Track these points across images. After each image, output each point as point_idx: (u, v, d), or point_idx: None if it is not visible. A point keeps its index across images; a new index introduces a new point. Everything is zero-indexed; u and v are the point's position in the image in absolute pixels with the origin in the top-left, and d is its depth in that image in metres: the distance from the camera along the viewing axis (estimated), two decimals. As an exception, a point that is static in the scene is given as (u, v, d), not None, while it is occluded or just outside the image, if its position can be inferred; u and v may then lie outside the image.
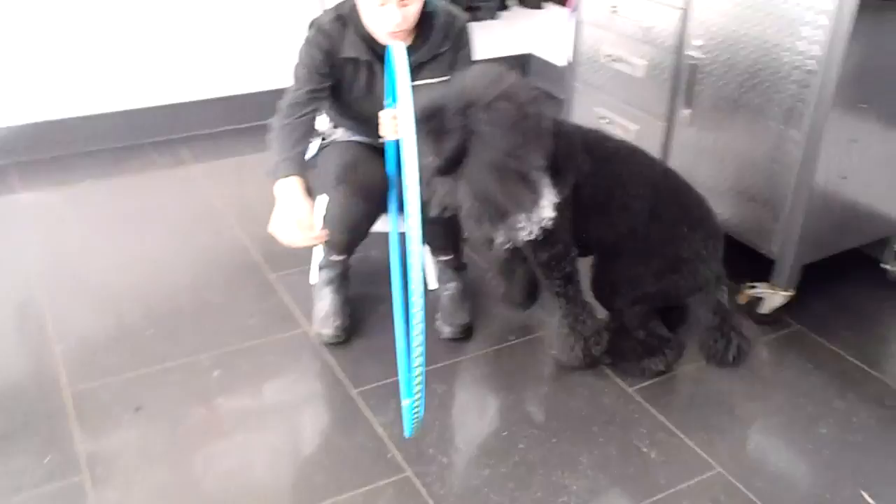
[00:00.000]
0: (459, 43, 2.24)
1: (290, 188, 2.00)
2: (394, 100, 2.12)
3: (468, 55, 2.27)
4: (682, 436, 2.02)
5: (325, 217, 2.27)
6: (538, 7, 3.96)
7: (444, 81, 2.20)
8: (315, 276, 2.51)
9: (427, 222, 2.18)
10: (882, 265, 2.66)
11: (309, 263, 2.65)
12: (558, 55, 4.06)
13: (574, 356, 2.18)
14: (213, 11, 3.58)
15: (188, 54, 3.59)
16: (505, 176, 1.81)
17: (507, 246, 2.07)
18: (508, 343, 2.35)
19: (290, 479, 1.87)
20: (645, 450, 1.98)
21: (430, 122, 1.81)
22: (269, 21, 3.67)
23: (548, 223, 1.92)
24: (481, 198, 1.83)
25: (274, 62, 3.69)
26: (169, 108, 3.61)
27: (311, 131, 2.18)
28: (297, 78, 2.17)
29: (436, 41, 2.18)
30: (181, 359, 2.23)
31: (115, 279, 2.57)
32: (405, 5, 2.03)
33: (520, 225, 1.91)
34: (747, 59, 2.32)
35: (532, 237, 1.94)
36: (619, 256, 2.14)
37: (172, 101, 3.61)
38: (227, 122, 3.72)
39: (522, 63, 4.31)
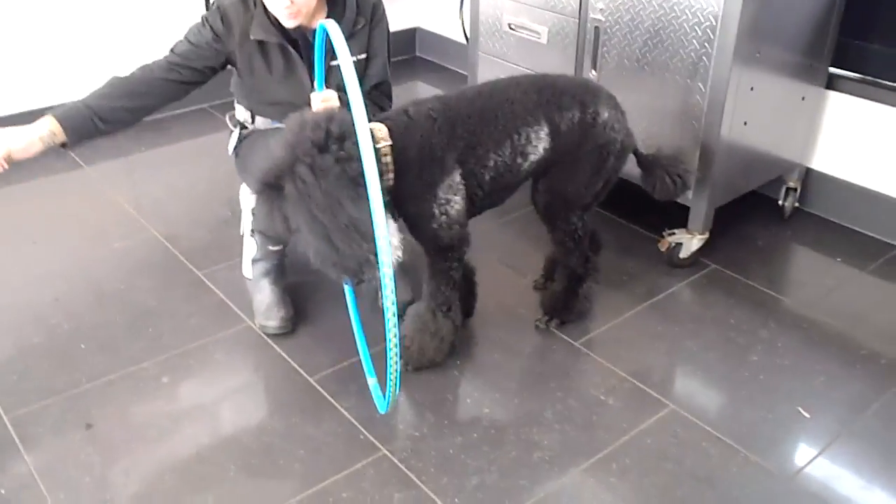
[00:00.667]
0: (374, 18, 2.24)
1: (31, 125, 1.97)
2: (321, 82, 2.11)
3: (384, 30, 2.28)
4: (633, 380, 2.14)
5: (255, 208, 2.23)
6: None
7: (360, 60, 2.21)
8: (248, 269, 2.46)
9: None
10: (779, 202, 2.87)
11: (234, 258, 2.59)
12: (450, 28, 4.10)
13: (428, 359, 2.14)
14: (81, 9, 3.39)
15: (67, 55, 3.39)
16: (327, 238, 1.72)
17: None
18: (453, 313, 2.39)
19: (268, 474, 1.85)
20: (602, 398, 2.08)
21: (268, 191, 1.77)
22: (137, 13, 3.51)
23: (399, 258, 1.75)
24: (322, 262, 1.77)
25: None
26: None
27: (141, 96, 2.10)
28: (172, 49, 2.15)
29: (350, 19, 2.18)
30: (123, 369, 2.15)
31: (35, 294, 2.43)
32: (293, 4, 2.01)
33: (367, 275, 1.78)
34: (649, 18, 2.44)
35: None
36: (553, 169, 2.12)
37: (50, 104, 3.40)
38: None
39: (409, 38, 4.32)
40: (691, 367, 2.22)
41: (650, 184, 2.31)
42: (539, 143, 2.02)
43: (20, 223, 2.83)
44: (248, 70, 2.19)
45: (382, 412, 1.94)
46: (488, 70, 3.05)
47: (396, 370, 1.73)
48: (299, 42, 2.17)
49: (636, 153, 2.25)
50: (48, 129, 1.97)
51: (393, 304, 1.63)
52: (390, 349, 1.68)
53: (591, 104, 2.06)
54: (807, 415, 2.03)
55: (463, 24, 3.80)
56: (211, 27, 2.13)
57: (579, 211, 2.17)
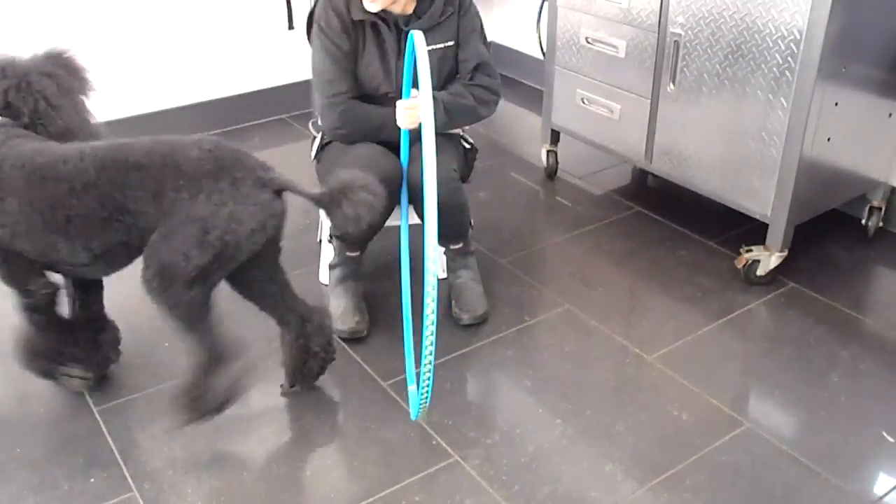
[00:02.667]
0: (462, 7, 2.31)
1: None
2: (409, 89, 2.15)
3: (474, 16, 2.35)
4: (707, 397, 2.11)
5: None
6: (500, -5, 4.03)
7: (448, 47, 2.26)
8: (325, 275, 2.52)
9: (440, 212, 2.25)
10: (862, 221, 2.80)
11: (311, 264, 2.65)
12: (526, 43, 4.12)
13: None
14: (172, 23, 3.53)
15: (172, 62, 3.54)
16: None
17: None
18: (525, 324, 2.40)
19: (342, 476, 1.90)
20: (676, 413, 2.06)
21: None
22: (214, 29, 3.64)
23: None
24: None
25: (245, 66, 3.68)
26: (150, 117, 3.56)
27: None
28: (319, 65, 2.23)
29: (437, 9, 2.25)
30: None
31: (123, 297, 2.53)
32: None
33: None
34: (730, 32, 2.42)
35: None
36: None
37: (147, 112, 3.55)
38: (198, 130, 3.68)
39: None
40: (767, 387, 2.18)
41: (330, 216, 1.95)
42: None
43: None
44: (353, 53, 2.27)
45: (413, 419, 1.96)
46: (565, 85, 3.06)
47: (429, 380, 1.72)
48: (389, 25, 2.24)
49: (314, 198, 1.87)
50: None
51: (433, 312, 1.62)
52: (425, 356, 1.67)
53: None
54: (891, 439, 1.98)
55: (539, 38, 3.82)
56: (334, 10, 2.20)
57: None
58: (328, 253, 2.49)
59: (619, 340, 2.33)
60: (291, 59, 3.76)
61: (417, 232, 2.40)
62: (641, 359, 2.26)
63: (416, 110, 2.13)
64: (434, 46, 2.25)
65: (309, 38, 2.35)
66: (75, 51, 2.01)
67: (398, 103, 2.14)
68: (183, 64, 3.54)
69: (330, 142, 2.39)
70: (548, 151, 3.24)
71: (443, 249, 2.47)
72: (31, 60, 1.93)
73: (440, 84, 2.32)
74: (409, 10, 2.22)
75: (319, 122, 2.42)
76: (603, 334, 2.36)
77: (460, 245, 2.40)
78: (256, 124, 3.74)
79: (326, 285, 2.50)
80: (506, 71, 4.31)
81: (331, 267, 2.43)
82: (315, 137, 2.45)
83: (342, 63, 2.24)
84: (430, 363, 1.67)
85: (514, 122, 3.89)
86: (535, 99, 3.79)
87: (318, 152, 2.42)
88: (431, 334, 1.62)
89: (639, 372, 2.22)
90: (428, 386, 1.74)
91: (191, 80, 3.58)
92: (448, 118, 2.24)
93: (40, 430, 2.02)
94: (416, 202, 2.26)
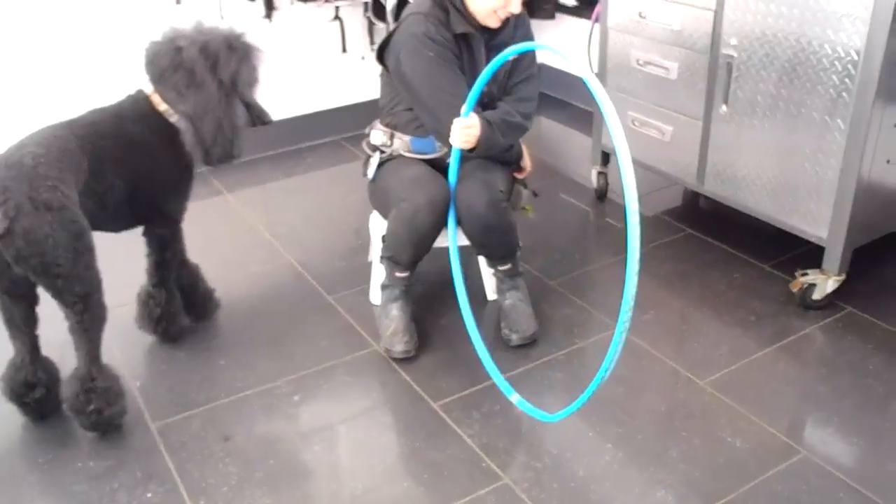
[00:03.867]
0: (526, 31, 2.40)
1: None
2: (472, 107, 2.17)
3: (528, 29, 2.45)
4: (762, 423, 2.07)
5: (387, 234, 2.32)
6: (550, 18, 4.03)
7: (514, 60, 2.32)
8: (376, 295, 2.55)
9: (487, 233, 2.27)
10: (922, 244, 2.73)
11: (362, 284, 2.69)
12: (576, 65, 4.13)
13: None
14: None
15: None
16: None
17: None
18: (575, 346, 2.40)
19: (393, 495, 1.91)
20: (729, 439, 2.03)
21: None
22: (294, 49, 3.72)
23: None
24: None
25: (300, 90, 3.75)
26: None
27: None
28: (433, 75, 2.23)
29: (507, 34, 2.32)
30: (259, 386, 2.26)
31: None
32: (507, 6, 2.20)
33: None
34: (785, 53, 2.40)
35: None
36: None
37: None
38: (254, 151, 3.76)
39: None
40: (825, 414, 2.13)
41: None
42: None
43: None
44: None
45: (551, 420, 1.98)
46: (615, 106, 3.04)
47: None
48: (480, 38, 2.31)
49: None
50: None
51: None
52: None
53: None
54: (954, 470, 1.92)
55: (590, 60, 3.81)
56: (434, 25, 2.23)
57: None
58: (379, 273, 2.52)
59: (671, 365, 2.31)
60: (345, 82, 3.83)
61: (465, 252, 2.42)
62: (693, 384, 2.23)
63: (472, 129, 2.16)
64: (508, 59, 2.29)
65: (383, 64, 2.37)
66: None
67: (455, 121, 2.17)
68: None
69: (385, 161, 2.42)
70: (598, 173, 3.23)
71: (491, 271, 2.48)
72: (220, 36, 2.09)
73: (497, 94, 2.35)
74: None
75: (372, 141, 2.45)
76: (654, 358, 2.34)
77: (509, 266, 2.41)
78: (310, 146, 3.81)
79: (377, 306, 2.53)
80: (556, 92, 4.32)
81: (381, 287, 2.46)
82: (370, 157, 2.48)
83: (455, 67, 2.27)
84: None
85: (564, 143, 3.90)
86: (584, 120, 3.79)
87: (375, 172, 2.45)
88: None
89: (691, 397, 2.19)
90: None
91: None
92: (503, 141, 2.26)
93: (99, 444, 2.07)
94: (465, 223, 2.28)
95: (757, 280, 2.69)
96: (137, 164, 2.10)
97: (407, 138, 2.39)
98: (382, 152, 2.43)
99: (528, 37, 2.40)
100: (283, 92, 3.72)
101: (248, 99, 2.20)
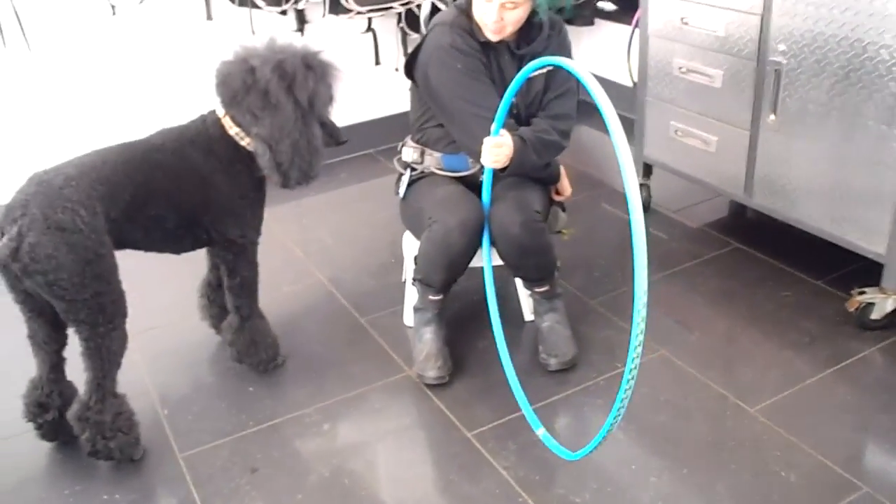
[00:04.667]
0: (561, 46, 2.28)
1: None
2: (501, 124, 2.09)
3: (565, 40, 2.33)
4: (818, 455, 1.94)
5: (418, 256, 2.24)
6: (589, 24, 3.92)
7: (548, 72, 2.23)
8: (409, 317, 2.47)
9: (522, 255, 2.17)
10: None
11: (395, 305, 2.61)
12: (616, 71, 4.01)
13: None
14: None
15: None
16: None
17: None
18: (617, 371, 2.29)
19: (423, 532, 1.82)
20: (783, 474, 1.90)
21: None
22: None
23: None
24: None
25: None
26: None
27: None
28: (460, 87, 2.16)
29: (539, 44, 2.21)
30: (288, 414, 2.20)
31: (208, 336, 2.55)
32: (507, 9, 2.07)
33: None
34: (838, 59, 2.26)
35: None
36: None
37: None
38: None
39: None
40: (888, 445, 1.99)
41: None
42: None
43: (199, 264, 2.99)
44: None
45: (573, 458, 1.84)
46: (657, 116, 2.94)
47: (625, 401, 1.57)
48: (509, 48, 2.22)
49: None
50: None
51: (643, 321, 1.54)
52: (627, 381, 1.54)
53: None
54: None
55: (630, 68, 3.70)
56: (459, 34, 2.16)
57: None
58: (412, 294, 2.44)
59: (718, 390, 2.19)
60: (378, 95, 3.77)
61: (503, 271, 2.33)
62: (743, 411, 2.11)
63: (503, 149, 2.07)
64: (542, 71, 2.20)
65: (411, 78, 2.30)
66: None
67: (485, 140, 2.08)
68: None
69: (417, 180, 2.34)
70: (640, 185, 3.12)
71: (528, 292, 2.38)
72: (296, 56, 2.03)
73: (531, 110, 2.26)
74: (514, 37, 2.20)
75: (404, 158, 2.38)
76: (700, 383, 2.22)
77: (546, 288, 2.31)
78: (344, 160, 3.75)
79: (410, 327, 2.45)
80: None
81: (414, 310, 2.38)
82: (401, 175, 2.41)
83: (485, 78, 2.18)
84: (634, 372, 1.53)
85: (604, 152, 3.78)
86: (625, 128, 3.67)
87: (405, 190, 2.37)
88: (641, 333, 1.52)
89: (740, 425, 2.07)
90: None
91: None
92: (538, 160, 2.16)
93: (125, 472, 2.02)
94: (499, 244, 2.19)
95: (809, 298, 2.55)
96: (194, 193, 2.06)
97: (438, 155, 2.31)
98: (413, 170, 2.36)
99: (564, 47, 2.29)
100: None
101: (325, 119, 2.13)
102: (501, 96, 2.06)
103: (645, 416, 2.12)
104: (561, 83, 2.25)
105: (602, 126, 4.04)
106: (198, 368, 2.41)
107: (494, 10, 2.07)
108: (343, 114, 3.72)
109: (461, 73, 2.14)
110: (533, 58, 2.00)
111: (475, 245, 2.17)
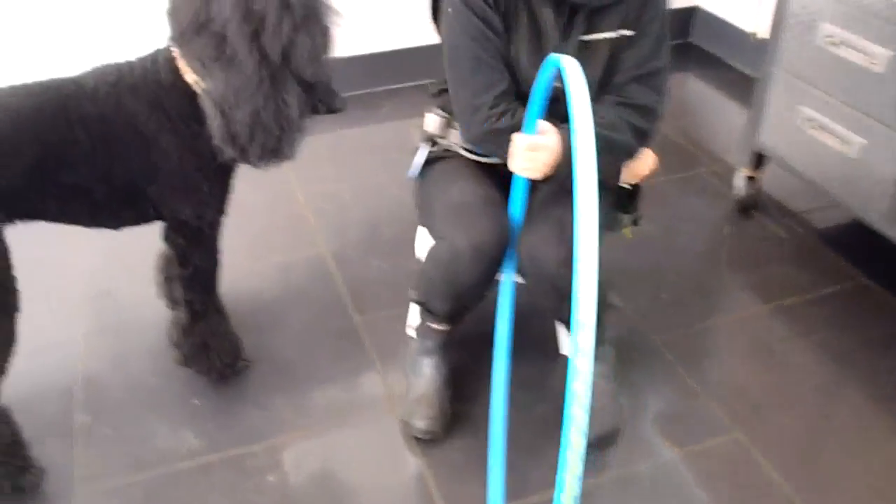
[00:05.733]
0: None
1: None
2: (533, 122, 1.46)
3: (658, 10, 1.56)
4: None
5: (420, 274, 1.67)
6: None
7: (623, 37, 1.52)
8: (412, 327, 1.90)
9: (560, 298, 1.56)
10: None
11: (402, 305, 2.03)
12: (740, 14, 3.21)
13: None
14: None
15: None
16: None
17: None
18: (670, 456, 1.69)
19: None
20: None
21: None
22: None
23: None
24: None
25: (380, 19, 3.07)
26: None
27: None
28: (460, 55, 1.55)
29: None
30: (229, 449, 1.70)
31: (166, 313, 2.05)
32: None
33: None
34: None
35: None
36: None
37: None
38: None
39: (684, 18, 3.47)
40: None
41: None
42: None
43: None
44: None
45: None
46: (785, 95, 2.20)
47: None
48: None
49: None
50: None
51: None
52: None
53: None
54: None
55: (757, 19, 2.89)
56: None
57: None
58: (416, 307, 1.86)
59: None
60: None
61: (521, 297, 1.73)
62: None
63: (541, 154, 1.43)
64: (605, 35, 1.53)
65: (436, 21, 1.68)
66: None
67: (516, 139, 1.45)
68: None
69: (437, 159, 1.73)
70: (746, 177, 2.41)
71: (564, 329, 1.78)
72: None
73: (595, 91, 1.58)
74: None
75: (426, 126, 1.77)
76: (783, 495, 1.61)
77: (592, 333, 1.70)
78: (389, 90, 3.13)
79: (412, 339, 1.90)
80: (708, 45, 3.42)
81: (416, 330, 1.82)
82: (419, 148, 1.80)
83: (492, 50, 1.54)
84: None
85: (708, 114, 3.05)
86: (743, 87, 2.92)
87: (421, 170, 1.77)
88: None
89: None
90: None
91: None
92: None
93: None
94: (530, 281, 1.58)
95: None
96: (132, 159, 1.51)
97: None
98: (434, 144, 1.74)
99: (654, 8, 1.56)
100: (359, 21, 3.03)
101: (310, 78, 1.50)
102: (536, 66, 1.42)
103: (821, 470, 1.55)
104: (646, 53, 1.56)
105: (712, 78, 3.30)
106: (140, 360, 1.92)
107: None
108: (393, 35, 3.12)
109: (464, 36, 1.53)
110: (592, 10, 1.44)
111: (490, 274, 1.57)
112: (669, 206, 2.47)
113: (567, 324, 1.70)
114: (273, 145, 1.48)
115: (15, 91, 1.46)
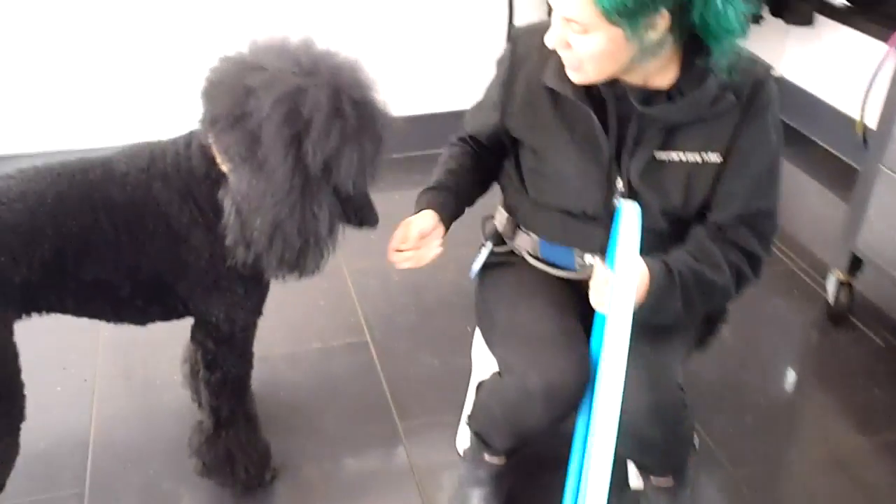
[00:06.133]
0: (754, 104, 1.29)
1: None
2: (613, 256, 1.25)
3: (765, 126, 1.30)
4: None
5: (475, 403, 1.47)
6: (808, 24, 2.86)
7: (708, 164, 1.30)
8: (465, 439, 1.69)
9: (644, 448, 1.34)
10: None
11: (452, 412, 1.82)
12: (833, 93, 2.96)
13: None
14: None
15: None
16: None
17: None
18: None
19: None
20: None
21: None
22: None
23: None
24: None
25: (444, 79, 2.92)
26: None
27: (471, 168, 1.51)
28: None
29: (708, 92, 1.25)
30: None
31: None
32: (574, 34, 1.20)
33: None
34: None
35: None
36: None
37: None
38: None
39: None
40: None
41: None
42: None
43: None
44: (524, 132, 1.42)
45: None
46: (889, 194, 1.96)
47: None
48: (608, 105, 1.31)
49: None
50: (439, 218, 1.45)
51: None
52: None
53: None
54: None
55: (862, 112, 2.57)
56: (501, 64, 1.44)
57: None
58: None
59: None
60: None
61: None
62: None
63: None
64: (683, 157, 1.31)
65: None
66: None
67: (597, 272, 1.24)
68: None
69: (501, 263, 1.53)
70: (840, 283, 2.16)
71: (639, 471, 1.55)
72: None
73: (672, 223, 1.37)
74: (662, 84, 1.28)
75: (495, 221, 1.58)
76: None
77: (670, 484, 1.47)
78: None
79: (460, 457, 1.69)
80: (800, 124, 3.17)
81: (464, 456, 1.61)
82: (483, 245, 1.60)
83: (488, 108, 1.48)
84: None
85: (798, 202, 2.79)
86: (835, 172, 2.68)
87: (480, 270, 1.57)
88: None
89: None
90: None
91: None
92: (684, 309, 1.28)
93: None
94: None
95: None
96: (160, 254, 1.35)
97: (536, 238, 1.48)
98: (501, 243, 1.54)
99: (760, 134, 1.32)
100: (422, 81, 2.88)
101: (349, 191, 1.30)
102: (599, 180, 1.31)
103: None
104: (753, 190, 1.33)
105: (802, 161, 3.04)
106: (155, 459, 1.75)
107: (557, 33, 1.23)
108: (458, 95, 2.94)
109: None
110: (667, 125, 1.24)
111: (564, 418, 1.35)
112: (752, 308, 2.22)
113: (646, 469, 1.48)
114: (293, 259, 1.29)
115: (38, 174, 1.32)
